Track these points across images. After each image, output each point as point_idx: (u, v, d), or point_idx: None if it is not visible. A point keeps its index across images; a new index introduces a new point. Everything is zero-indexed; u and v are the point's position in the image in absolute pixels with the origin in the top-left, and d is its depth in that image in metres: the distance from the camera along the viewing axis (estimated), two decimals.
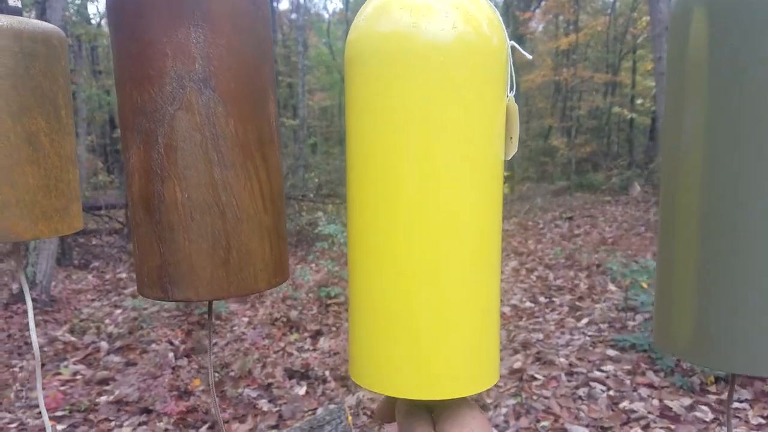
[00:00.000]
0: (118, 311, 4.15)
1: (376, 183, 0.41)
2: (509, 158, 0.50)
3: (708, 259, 0.48)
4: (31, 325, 0.66)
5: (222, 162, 0.45)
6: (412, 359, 0.40)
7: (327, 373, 3.09)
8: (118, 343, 3.51)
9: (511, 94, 0.49)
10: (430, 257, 0.40)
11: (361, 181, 0.42)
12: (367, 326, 0.42)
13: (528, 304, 4.20)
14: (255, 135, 0.48)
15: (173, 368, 3.17)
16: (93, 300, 4.51)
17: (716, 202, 0.48)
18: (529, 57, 0.52)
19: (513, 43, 0.49)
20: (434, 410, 0.45)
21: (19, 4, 0.62)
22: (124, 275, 5.18)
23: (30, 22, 0.59)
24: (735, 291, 0.46)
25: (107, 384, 3.00)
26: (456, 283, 0.41)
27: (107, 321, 3.91)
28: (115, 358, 3.32)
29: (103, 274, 5.25)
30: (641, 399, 2.63)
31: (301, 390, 2.93)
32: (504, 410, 2.58)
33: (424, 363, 0.41)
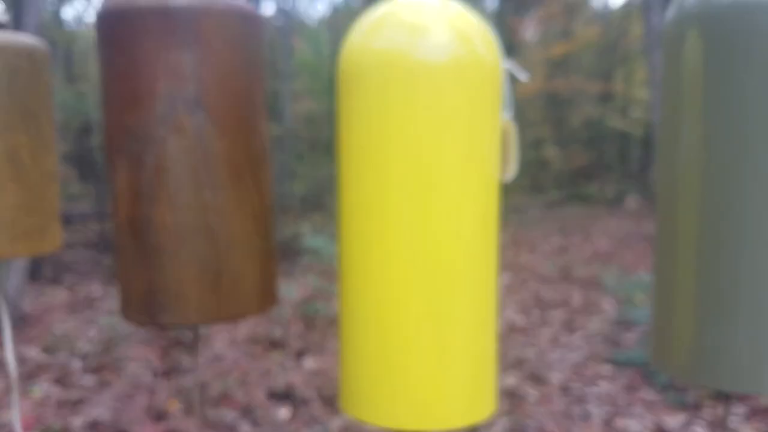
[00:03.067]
0: (92, 329, 4.10)
1: (370, 202, 0.42)
2: (508, 180, 0.51)
3: (706, 281, 0.49)
4: (9, 344, 0.66)
5: (213, 184, 0.46)
6: (406, 390, 0.41)
7: (312, 393, 3.07)
8: (92, 362, 3.46)
9: (508, 115, 0.50)
10: (424, 283, 0.41)
11: (353, 200, 0.42)
12: (359, 357, 0.42)
13: (521, 318, 4.22)
14: (246, 155, 0.49)
15: (150, 388, 3.13)
16: (66, 317, 4.45)
17: (714, 223, 0.49)
18: (525, 79, 0.54)
19: (509, 63, 0.50)
20: None
21: (2, 19, 0.62)
22: (99, 291, 5.12)
23: (13, 37, 0.60)
24: (734, 312, 0.48)
25: (81, 405, 2.96)
26: (451, 310, 0.42)
27: (81, 339, 3.86)
28: (89, 378, 3.27)
29: (77, 289, 5.18)
30: (636, 416, 2.65)
31: (285, 412, 2.91)
32: (496, 429, 2.59)
33: (419, 394, 0.41)
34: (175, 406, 2.91)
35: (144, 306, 0.48)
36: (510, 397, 2.87)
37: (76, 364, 3.46)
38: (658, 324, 0.55)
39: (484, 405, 0.45)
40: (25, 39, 0.62)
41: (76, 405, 2.96)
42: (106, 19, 0.49)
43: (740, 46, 0.48)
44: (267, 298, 0.53)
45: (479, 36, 0.44)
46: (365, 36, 0.44)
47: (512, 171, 0.50)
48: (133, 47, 0.47)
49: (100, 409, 2.84)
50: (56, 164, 0.65)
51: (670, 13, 0.56)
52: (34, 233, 0.62)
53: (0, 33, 0.60)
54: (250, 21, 0.51)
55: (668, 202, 0.55)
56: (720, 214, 0.49)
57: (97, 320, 4.25)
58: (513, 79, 0.50)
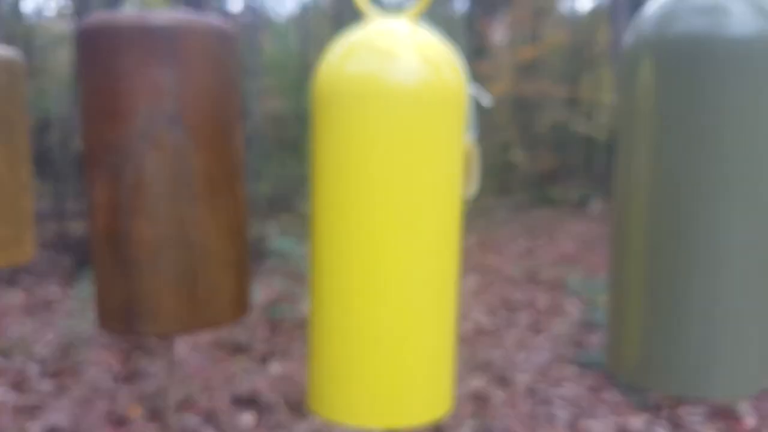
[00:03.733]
0: (50, 332, 4.02)
1: (341, 215, 0.45)
2: (470, 195, 0.54)
3: (654, 292, 0.54)
4: None
5: (190, 197, 0.48)
6: (370, 391, 0.44)
7: (278, 398, 3.07)
8: (49, 367, 3.39)
9: (472, 136, 0.54)
10: (389, 290, 0.44)
11: (326, 212, 0.45)
12: (327, 361, 0.45)
13: (488, 320, 4.29)
14: (223, 169, 0.51)
15: (111, 393, 3.09)
16: (22, 320, 4.34)
17: (662, 236, 0.54)
18: (489, 101, 0.58)
19: (474, 88, 0.54)
20: None
21: None
22: (57, 293, 5.01)
23: None
24: (680, 321, 0.52)
25: (37, 410, 2.91)
26: (413, 316, 0.45)
27: (38, 342, 3.78)
28: (47, 383, 3.21)
29: (34, 291, 5.06)
30: (599, 417, 2.73)
31: (249, 418, 2.91)
32: (463, 431, 2.64)
33: (382, 394, 0.45)
34: (137, 412, 2.87)
35: (122, 316, 0.50)
36: (476, 399, 2.93)
37: (33, 369, 3.39)
38: (613, 330, 0.59)
39: (442, 403, 0.48)
40: (2, 52, 0.63)
41: (33, 411, 2.90)
42: (87, 36, 0.50)
43: (687, 70, 0.53)
44: (241, 306, 0.55)
45: (446, 62, 0.48)
46: (340, 60, 0.47)
47: (474, 188, 0.53)
48: (114, 64, 0.49)
49: (58, 415, 2.80)
50: (30, 175, 0.66)
51: (628, 37, 0.60)
52: (10, 244, 0.63)
53: None
54: (227, 40, 0.54)
55: (622, 214, 0.59)
56: (668, 228, 0.53)
57: (55, 323, 4.16)
58: (478, 103, 0.54)
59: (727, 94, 0.51)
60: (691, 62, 0.52)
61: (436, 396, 0.48)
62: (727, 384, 0.54)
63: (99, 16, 0.50)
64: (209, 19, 0.52)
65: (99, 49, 0.49)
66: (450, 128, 0.47)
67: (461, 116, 0.50)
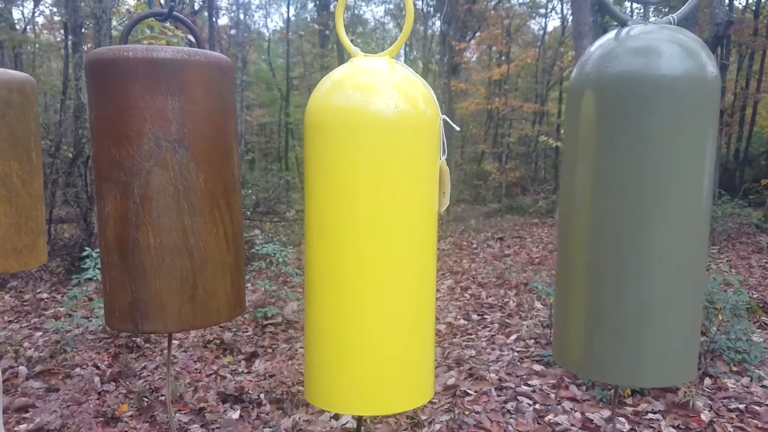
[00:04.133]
0: (39, 334, 3.97)
1: (330, 229, 0.49)
2: (442, 210, 0.59)
3: (592, 293, 0.59)
4: None
5: (192, 211, 0.52)
6: (360, 381, 0.49)
7: (262, 396, 3.09)
8: (38, 368, 3.36)
9: (444, 157, 0.59)
10: (376, 292, 0.49)
11: (318, 225, 0.50)
12: (320, 355, 0.50)
13: (462, 321, 4.35)
14: (221, 186, 0.56)
15: (99, 393, 3.07)
16: (10, 322, 4.28)
17: (598, 244, 0.59)
18: (457, 128, 0.63)
19: (445, 117, 0.59)
20: None
21: None
22: (45, 295, 4.94)
23: (6, 72, 0.64)
24: (614, 318, 0.58)
25: (26, 411, 2.88)
26: (399, 311, 0.50)
27: (26, 344, 3.73)
28: (36, 384, 3.18)
29: (22, 294, 4.99)
30: (565, 412, 2.78)
31: (235, 414, 2.92)
32: (438, 426, 2.68)
33: (372, 383, 0.49)
34: (125, 411, 2.86)
35: (129, 316, 0.54)
36: (450, 395, 2.97)
37: (22, 370, 3.35)
38: (558, 326, 0.64)
39: (425, 392, 0.53)
40: (16, 74, 0.66)
41: (21, 411, 2.87)
42: (98, 66, 0.54)
43: (622, 103, 0.59)
44: (236, 307, 0.59)
45: (420, 95, 0.53)
46: (327, 94, 0.52)
47: (446, 202, 0.58)
48: (124, 92, 0.53)
49: (47, 415, 2.77)
50: (42, 187, 0.70)
51: (574, 73, 0.66)
52: (24, 250, 0.66)
53: None
54: (225, 71, 0.58)
55: (565, 225, 0.64)
56: (604, 238, 0.59)
57: (43, 325, 4.11)
58: (448, 131, 0.59)
59: (655, 123, 0.57)
60: (625, 98, 0.58)
61: (419, 385, 0.53)
62: (657, 374, 0.59)
63: (109, 49, 0.54)
64: (209, 53, 0.56)
65: (110, 79, 0.53)
66: (425, 151, 0.52)
67: (435, 141, 0.55)
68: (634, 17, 0.65)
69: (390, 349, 0.50)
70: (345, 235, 0.50)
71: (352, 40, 0.60)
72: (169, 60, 0.54)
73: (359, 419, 0.68)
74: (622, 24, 0.63)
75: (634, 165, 0.57)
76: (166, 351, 3.69)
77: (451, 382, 3.13)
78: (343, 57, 13.05)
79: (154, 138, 0.53)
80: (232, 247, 0.57)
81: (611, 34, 0.63)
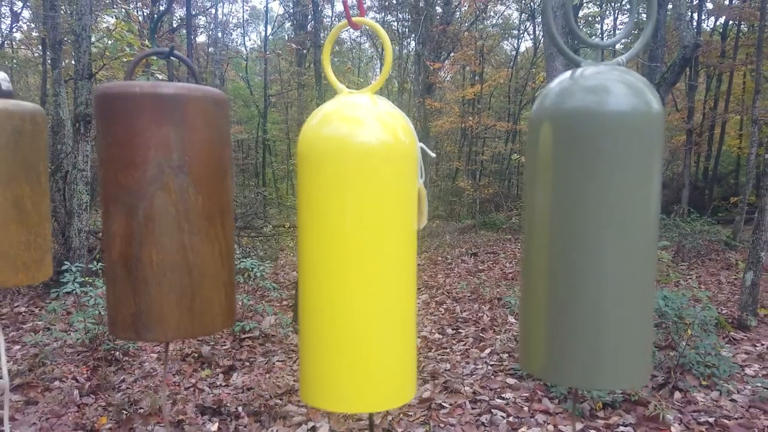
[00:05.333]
0: (17, 347, 3.90)
1: (321, 246, 0.54)
2: (421, 227, 0.65)
3: (552, 302, 0.66)
4: (3, 360, 0.72)
5: (191, 230, 0.57)
6: (352, 380, 0.54)
7: (240, 409, 3.08)
8: (17, 381, 3.30)
9: (421, 180, 0.65)
10: (366, 300, 0.54)
11: (310, 242, 0.55)
12: (316, 361, 0.55)
13: (437, 335, 4.40)
14: (217, 207, 0.60)
15: (78, 406, 3.04)
16: None
17: (556, 260, 0.65)
18: (433, 155, 0.69)
19: (422, 144, 0.65)
20: None
21: (11, 87, 0.70)
22: (23, 309, 4.86)
23: (19, 104, 0.68)
24: (571, 327, 0.63)
25: (5, 424, 2.82)
26: (385, 314, 0.55)
27: (4, 358, 3.66)
28: (14, 397, 3.13)
29: (1, 308, 4.89)
30: (538, 425, 2.82)
31: (214, 426, 2.91)
32: None
33: (363, 383, 0.54)
34: (104, 423, 2.84)
35: (131, 325, 0.58)
36: (426, 408, 3.01)
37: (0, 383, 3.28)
38: (522, 333, 0.70)
39: (409, 390, 0.58)
40: (27, 105, 0.71)
41: (0, 424, 2.82)
42: (107, 99, 0.59)
43: (576, 135, 0.66)
44: (228, 318, 0.64)
45: (400, 126, 0.59)
46: (318, 125, 0.58)
47: (424, 221, 0.64)
48: (130, 123, 0.58)
49: (25, 428, 2.73)
50: (49, 207, 0.74)
51: (534, 105, 0.73)
52: (33, 265, 0.70)
53: (9, 101, 0.69)
54: (221, 104, 0.63)
55: (527, 243, 0.71)
56: (561, 254, 0.65)
57: (21, 339, 4.04)
58: (425, 156, 0.65)
59: (606, 152, 0.63)
60: (579, 130, 0.64)
61: (403, 385, 0.58)
62: (613, 378, 0.65)
63: (118, 84, 0.59)
64: (207, 88, 0.61)
65: (118, 111, 0.58)
66: (405, 175, 0.58)
67: (414, 166, 0.61)
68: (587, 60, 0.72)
69: (377, 350, 0.56)
70: (334, 251, 0.56)
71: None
72: (172, 95, 0.59)
73: (370, 417, 0.72)
74: (576, 65, 0.70)
75: (588, 187, 0.64)
76: (144, 364, 3.66)
77: (426, 395, 3.17)
78: (320, 76, 13.14)
79: (157, 164, 0.57)
80: (226, 264, 0.62)
81: (568, 73, 0.70)
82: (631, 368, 0.66)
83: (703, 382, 3.21)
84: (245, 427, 2.91)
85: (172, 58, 0.64)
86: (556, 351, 0.65)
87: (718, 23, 13.06)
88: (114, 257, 0.59)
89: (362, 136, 0.56)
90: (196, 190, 0.60)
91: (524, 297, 0.70)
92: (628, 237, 0.63)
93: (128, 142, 0.57)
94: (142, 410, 3.00)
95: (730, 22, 12.23)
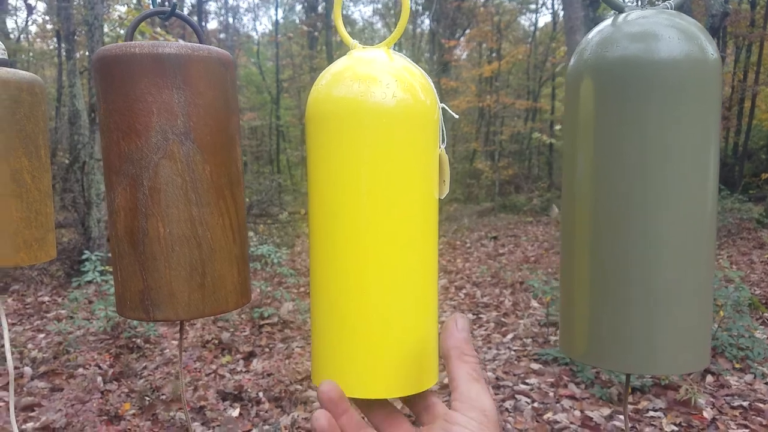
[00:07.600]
0: (42, 335, 3.97)
1: (334, 216, 0.50)
2: (443, 197, 0.60)
3: (597, 277, 0.60)
4: (7, 346, 0.70)
5: (199, 201, 0.53)
6: (368, 364, 0.49)
7: (260, 394, 3.10)
8: (42, 368, 3.36)
9: (443, 145, 0.60)
10: (382, 274, 0.50)
11: (321, 214, 0.51)
12: (327, 340, 0.50)
13: None
14: (226, 177, 0.57)
15: (102, 392, 3.08)
16: (14, 324, 4.27)
17: (602, 231, 0.60)
18: (456, 116, 0.64)
19: (443, 105, 0.60)
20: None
21: (6, 56, 0.67)
22: (46, 298, 4.93)
23: (16, 72, 0.65)
24: (619, 305, 0.58)
25: (32, 410, 2.88)
26: (404, 294, 0.50)
27: (30, 346, 3.73)
28: (40, 384, 3.18)
29: (24, 297, 4.98)
30: (564, 410, 2.78)
31: (235, 412, 2.93)
32: None
33: (378, 366, 0.50)
34: (128, 409, 2.86)
35: (140, 304, 0.55)
36: (447, 393, 2.99)
37: (27, 371, 3.35)
38: (564, 314, 0.65)
39: (431, 375, 0.54)
40: (25, 74, 0.67)
41: (27, 410, 2.87)
42: (105, 62, 0.55)
43: (621, 89, 0.60)
44: (242, 296, 0.60)
45: (419, 84, 0.54)
46: (328, 85, 0.52)
47: (446, 189, 0.59)
48: (130, 87, 0.54)
49: (52, 414, 2.77)
50: (50, 183, 0.71)
51: (572, 60, 0.67)
52: (34, 244, 0.67)
53: (4, 69, 0.65)
54: (227, 66, 0.59)
55: (568, 214, 0.66)
56: (607, 226, 0.60)
57: (46, 327, 4.10)
58: (446, 117, 0.60)
59: (656, 105, 0.57)
60: (624, 82, 0.58)
61: (424, 369, 0.54)
62: (667, 362, 0.59)
63: (116, 45, 0.55)
64: (212, 48, 0.57)
65: (117, 74, 0.54)
66: (425, 139, 0.53)
67: (434, 129, 0.56)
68: (630, 3, 0.66)
69: (396, 329, 0.51)
70: (348, 223, 0.51)
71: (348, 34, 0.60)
72: (174, 55, 0.54)
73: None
74: (619, 11, 0.64)
75: (635, 148, 0.58)
76: (165, 351, 3.69)
77: (447, 381, 3.14)
78: (332, 58, 13.02)
79: (161, 131, 0.53)
80: (238, 238, 0.58)
81: (609, 20, 0.64)
82: (690, 350, 0.60)
83: (737, 365, 3.12)
84: (266, 412, 2.92)
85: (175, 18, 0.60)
86: (602, 333, 0.60)
87: None
88: (119, 232, 0.56)
89: (377, 95, 0.51)
90: (203, 158, 0.56)
91: (565, 275, 0.64)
92: (684, 202, 0.58)
93: (129, 108, 0.54)
94: (164, 396, 3.03)
95: None
